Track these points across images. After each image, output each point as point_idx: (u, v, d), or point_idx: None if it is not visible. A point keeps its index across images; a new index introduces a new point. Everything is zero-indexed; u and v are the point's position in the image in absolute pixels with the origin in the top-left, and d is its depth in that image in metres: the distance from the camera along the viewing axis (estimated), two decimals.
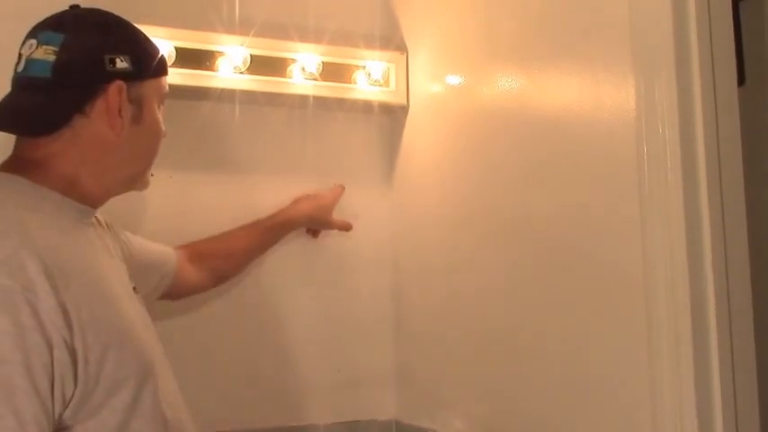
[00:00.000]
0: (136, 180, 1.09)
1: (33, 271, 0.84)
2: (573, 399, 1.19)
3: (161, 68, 1.09)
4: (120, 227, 1.22)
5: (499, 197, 1.37)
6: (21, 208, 0.92)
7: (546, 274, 1.25)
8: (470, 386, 1.43)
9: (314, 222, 1.59)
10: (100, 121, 1.00)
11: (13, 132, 1.00)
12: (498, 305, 1.36)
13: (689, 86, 1.05)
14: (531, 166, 1.30)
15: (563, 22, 1.24)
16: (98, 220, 1.10)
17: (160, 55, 1.08)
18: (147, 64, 1.05)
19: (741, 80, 1.15)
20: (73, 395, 0.87)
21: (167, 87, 1.10)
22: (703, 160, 1.05)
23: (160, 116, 1.08)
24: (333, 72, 1.60)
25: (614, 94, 1.13)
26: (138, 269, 1.18)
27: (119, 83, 1.01)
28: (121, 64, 1.02)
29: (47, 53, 0.98)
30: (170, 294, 1.35)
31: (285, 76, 1.56)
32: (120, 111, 1.00)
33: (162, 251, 1.33)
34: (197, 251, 1.41)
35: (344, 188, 1.63)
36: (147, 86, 1.05)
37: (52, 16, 1.03)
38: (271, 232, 1.52)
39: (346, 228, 1.63)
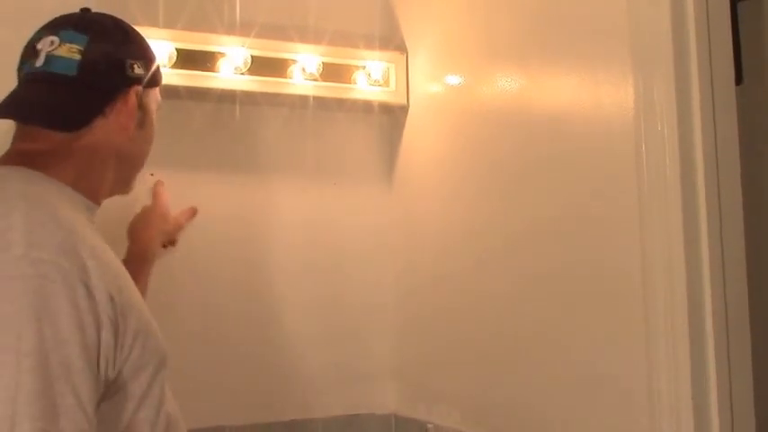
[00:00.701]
0: (128, 182, 1.12)
1: (85, 254, 0.87)
2: (569, 393, 1.19)
3: (161, 78, 1.13)
4: None
5: (499, 196, 1.38)
6: (51, 199, 0.94)
7: (545, 271, 1.26)
8: (468, 380, 1.44)
9: (166, 236, 1.46)
10: (114, 124, 1.03)
11: (38, 124, 1.00)
12: (497, 301, 1.37)
13: (687, 85, 1.06)
14: (530, 165, 1.30)
15: (562, 21, 1.24)
16: None
17: (158, 65, 1.12)
18: (154, 73, 1.09)
19: (739, 79, 1.16)
20: (111, 376, 0.89)
21: (160, 97, 1.14)
22: (701, 158, 1.06)
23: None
24: (333, 72, 1.60)
25: (613, 93, 1.14)
26: None
27: (138, 88, 1.05)
28: (138, 70, 1.06)
29: (71, 51, 1.00)
30: None
31: (285, 77, 1.56)
32: (133, 114, 1.04)
33: None
34: None
35: (162, 182, 1.47)
36: (151, 94, 1.10)
37: (71, 17, 1.05)
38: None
39: (193, 214, 1.50)
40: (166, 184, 1.47)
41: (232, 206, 1.56)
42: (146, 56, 1.09)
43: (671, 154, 1.05)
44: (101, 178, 1.04)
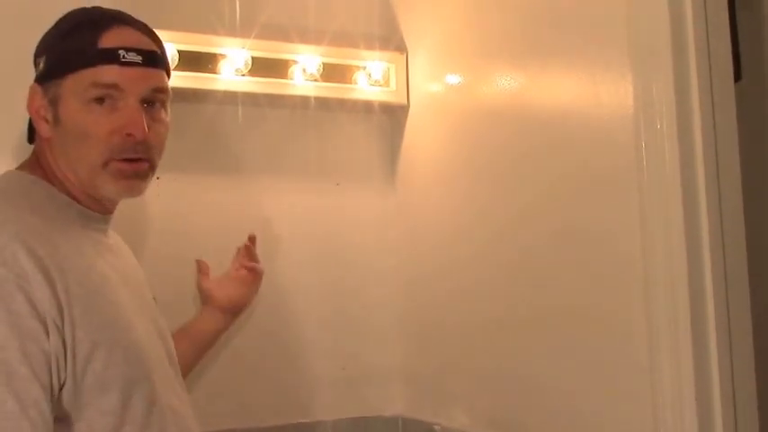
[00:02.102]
0: (87, 182, 1.01)
1: (25, 261, 0.86)
2: (575, 392, 1.20)
3: (74, 62, 0.99)
4: None
5: (499, 194, 1.38)
6: (23, 205, 0.95)
7: (548, 270, 1.26)
8: (475, 381, 1.44)
9: (247, 298, 1.40)
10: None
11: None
12: (502, 301, 1.37)
13: (686, 83, 1.07)
14: (530, 164, 1.31)
15: (561, 20, 1.25)
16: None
17: (76, 48, 0.99)
18: (57, 61, 1.00)
19: (738, 76, 1.16)
20: (63, 384, 0.88)
21: (103, 78, 0.99)
22: (701, 155, 1.06)
23: (93, 111, 0.99)
24: (333, 73, 1.60)
25: (612, 91, 1.14)
26: None
27: (32, 86, 1.02)
28: (41, 66, 1.02)
29: None
30: None
31: (286, 78, 1.56)
32: (38, 113, 1.01)
33: None
34: None
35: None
36: (66, 83, 0.99)
37: None
38: (211, 345, 1.37)
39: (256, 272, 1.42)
40: (169, 186, 1.47)
41: (234, 208, 1.55)
42: (51, 47, 1.01)
43: (670, 152, 1.06)
44: (67, 177, 1.01)
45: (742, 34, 1.39)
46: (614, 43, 1.13)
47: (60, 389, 0.88)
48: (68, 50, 1.00)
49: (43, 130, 1.01)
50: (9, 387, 0.82)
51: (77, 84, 0.98)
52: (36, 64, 1.03)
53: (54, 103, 1.00)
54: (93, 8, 1.05)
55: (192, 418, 1.04)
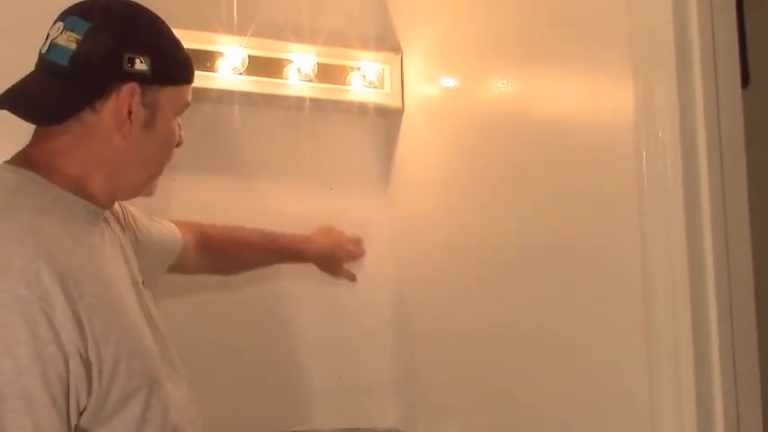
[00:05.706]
0: (142, 186, 1.05)
1: (49, 281, 0.86)
2: (573, 408, 1.19)
3: (184, 77, 1.05)
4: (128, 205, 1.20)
5: (496, 200, 1.38)
6: (34, 212, 0.93)
7: (546, 280, 1.25)
8: (470, 394, 1.44)
9: (329, 261, 1.53)
10: (109, 121, 0.97)
11: (18, 115, 0.97)
12: (499, 313, 1.36)
13: (690, 89, 1.04)
14: (527, 170, 1.30)
15: (560, 22, 1.23)
16: (110, 212, 1.09)
17: (187, 63, 1.05)
18: (169, 70, 1.01)
19: (745, 81, 1.13)
20: (86, 406, 0.88)
21: (189, 97, 1.06)
22: (705, 165, 1.03)
23: (176, 124, 1.05)
24: (328, 73, 1.60)
25: (613, 97, 1.13)
26: (144, 250, 1.17)
27: (132, 85, 0.97)
28: (140, 66, 0.98)
29: (69, 40, 0.96)
30: (171, 270, 1.35)
31: (282, 78, 1.57)
32: (129, 113, 0.98)
33: (167, 234, 1.29)
34: (207, 243, 1.38)
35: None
36: (167, 93, 1.01)
37: (87, 2, 1.00)
38: (284, 259, 1.50)
39: (351, 279, 1.56)
40: (162, 186, 1.45)
41: (229, 207, 1.54)
42: (158, 51, 1.00)
43: (672, 162, 1.03)
44: (104, 178, 0.99)
45: (751, 35, 1.35)
46: (615, 46, 1.11)
47: (81, 413, 0.89)
48: (177, 61, 1.03)
49: (125, 129, 0.98)
50: (29, 414, 0.83)
51: (176, 97, 1.03)
52: (128, 60, 0.98)
53: (152, 108, 1.00)
54: None
55: (193, 408, 1.07)
